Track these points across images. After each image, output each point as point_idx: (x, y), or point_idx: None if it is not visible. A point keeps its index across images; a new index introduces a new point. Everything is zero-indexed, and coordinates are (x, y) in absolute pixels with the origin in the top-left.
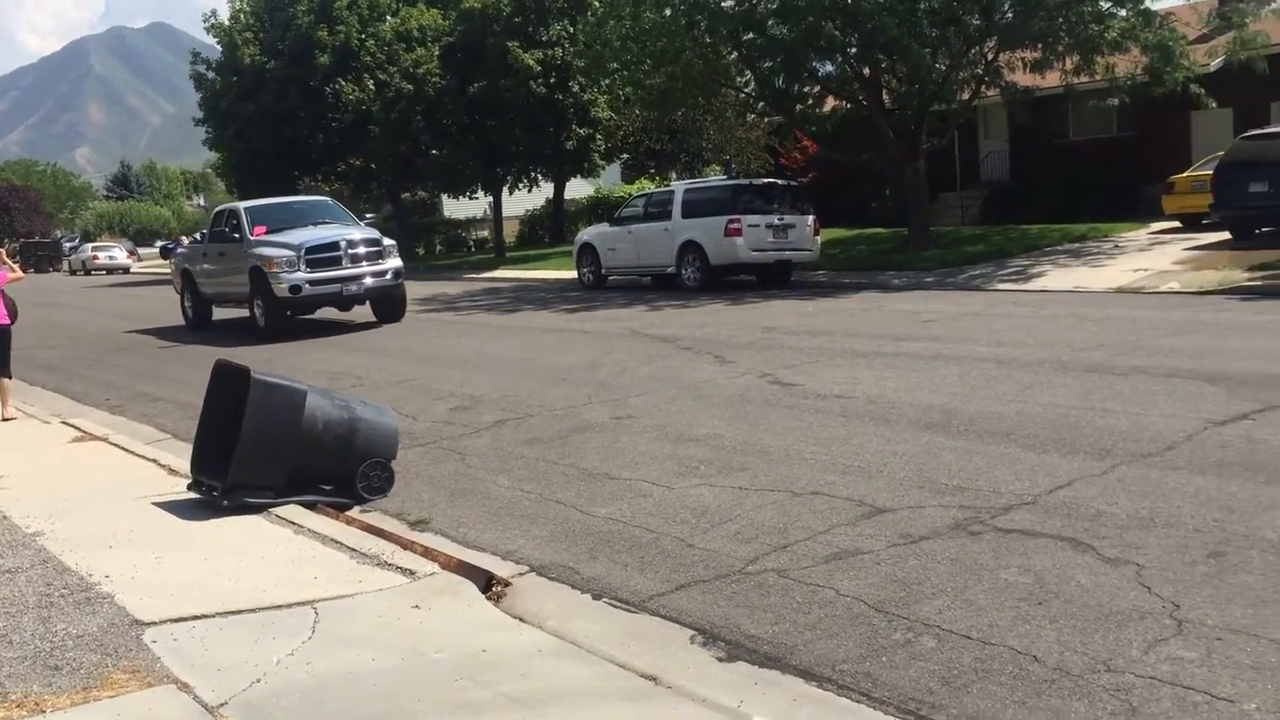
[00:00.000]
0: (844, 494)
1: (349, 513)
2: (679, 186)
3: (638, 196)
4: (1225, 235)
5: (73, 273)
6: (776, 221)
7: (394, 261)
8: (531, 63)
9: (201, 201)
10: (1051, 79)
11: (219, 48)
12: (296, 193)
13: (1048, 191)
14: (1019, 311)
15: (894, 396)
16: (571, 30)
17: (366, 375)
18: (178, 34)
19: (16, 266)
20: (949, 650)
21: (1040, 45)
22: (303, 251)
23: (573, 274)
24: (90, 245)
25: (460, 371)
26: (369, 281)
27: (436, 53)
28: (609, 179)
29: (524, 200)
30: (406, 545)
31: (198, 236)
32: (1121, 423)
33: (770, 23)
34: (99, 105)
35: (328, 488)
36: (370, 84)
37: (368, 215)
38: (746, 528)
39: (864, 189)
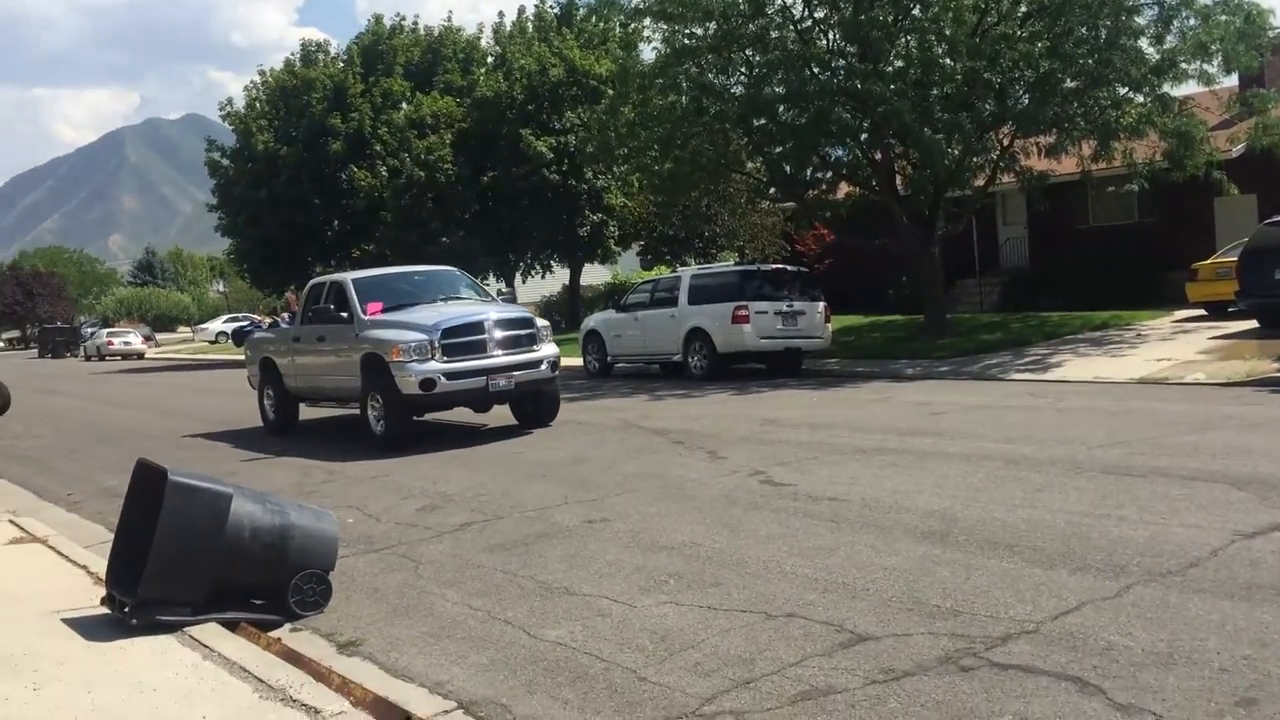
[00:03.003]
0: (823, 617)
1: (275, 632)
2: (686, 273)
3: (645, 283)
4: (1253, 323)
5: (87, 358)
6: (785, 308)
7: (549, 349)
8: (544, 150)
9: (221, 288)
10: (1068, 165)
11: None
12: (309, 279)
13: (1068, 278)
14: (1035, 404)
15: (891, 500)
16: (585, 118)
17: (341, 470)
18: (211, 125)
19: None
20: None
21: (1056, 131)
22: (438, 335)
23: (580, 361)
24: (106, 330)
25: (438, 466)
26: (519, 375)
27: (449, 140)
28: (627, 265)
29: (541, 286)
30: (322, 675)
31: (282, 318)
32: (1139, 533)
33: (780, 108)
34: (133, 194)
35: (259, 602)
36: (383, 170)
37: (502, 290)
38: (709, 657)
39: (881, 275)
